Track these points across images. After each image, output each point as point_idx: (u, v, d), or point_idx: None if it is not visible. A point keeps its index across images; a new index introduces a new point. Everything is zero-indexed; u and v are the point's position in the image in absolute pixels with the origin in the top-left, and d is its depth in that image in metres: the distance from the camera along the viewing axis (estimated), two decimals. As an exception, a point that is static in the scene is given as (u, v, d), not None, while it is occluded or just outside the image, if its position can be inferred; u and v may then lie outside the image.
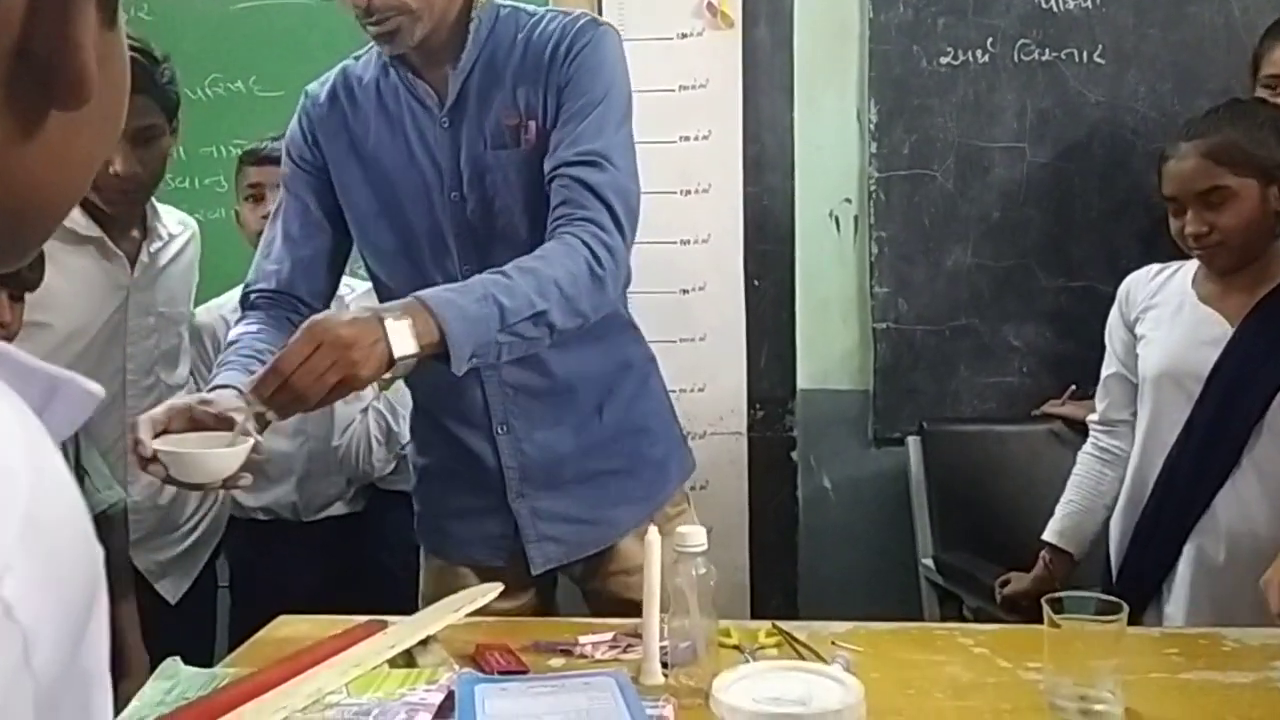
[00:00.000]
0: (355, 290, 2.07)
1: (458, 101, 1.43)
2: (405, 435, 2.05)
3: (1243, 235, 1.65)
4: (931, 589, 2.33)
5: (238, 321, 1.51)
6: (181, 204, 2.38)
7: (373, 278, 1.56)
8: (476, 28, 1.42)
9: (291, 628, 1.38)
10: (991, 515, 2.28)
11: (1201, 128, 1.69)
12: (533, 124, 1.42)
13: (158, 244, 1.94)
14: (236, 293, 2.19)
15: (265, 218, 2.09)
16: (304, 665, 1.12)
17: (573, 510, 1.49)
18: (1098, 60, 2.39)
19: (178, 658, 1.19)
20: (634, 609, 1.44)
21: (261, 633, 1.39)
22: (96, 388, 0.39)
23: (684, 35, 2.50)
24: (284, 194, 1.53)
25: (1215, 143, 1.65)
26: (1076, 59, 2.39)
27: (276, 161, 2.11)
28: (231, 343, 1.44)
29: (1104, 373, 1.87)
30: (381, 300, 1.44)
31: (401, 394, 2.05)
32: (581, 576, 1.57)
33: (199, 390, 2.10)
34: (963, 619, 2.24)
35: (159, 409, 1.24)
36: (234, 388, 1.30)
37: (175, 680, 1.14)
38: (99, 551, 0.36)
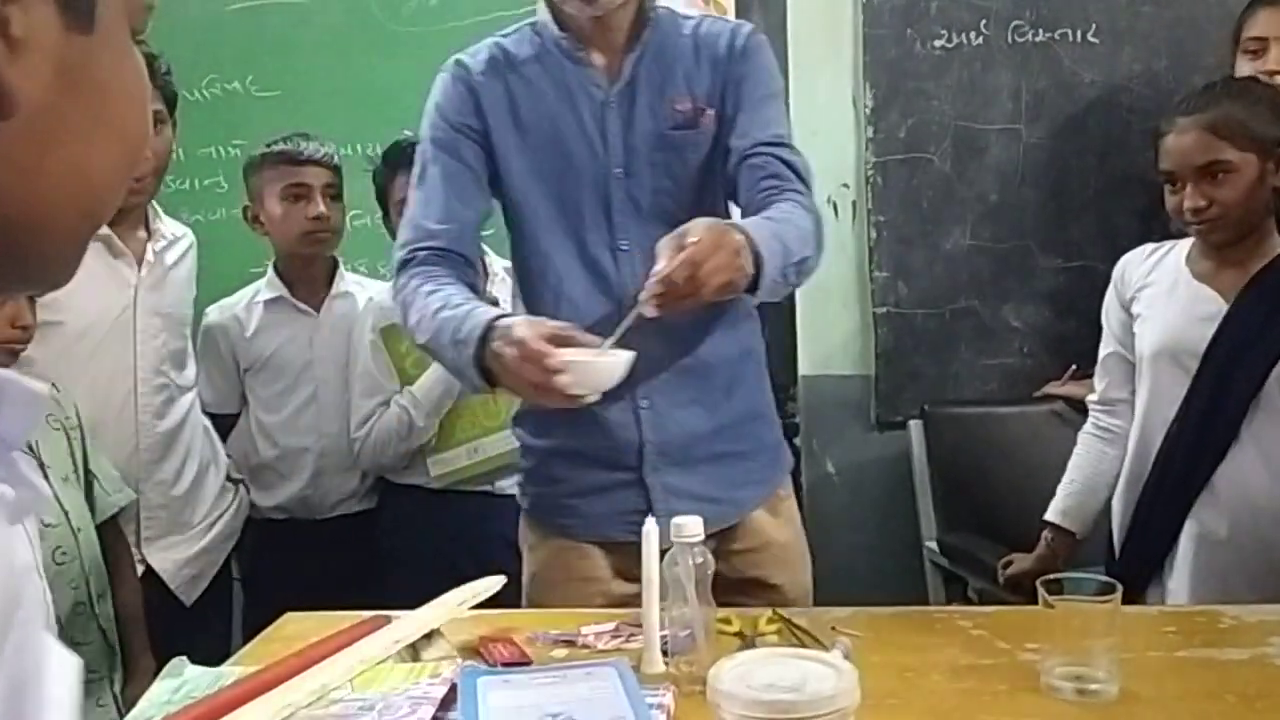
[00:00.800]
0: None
1: (628, 84, 1.49)
2: (426, 429, 2.09)
3: (1241, 209, 1.66)
4: (936, 571, 2.34)
5: (409, 278, 1.47)
6: (181, 206, 2.41)
7: (520, 246, 1.55)
8: (654, 17, 1.51)
9: (298, 625, 1.40)
10: (994, 496, 2.29)
11: (1200, 102, 1.69)
12: (710, 110, 1.51)
13: (162, 243, 1.96)
14: (248, 292, 2.24)
15: (316, 218, 2.13)
16: (308, 662, 1.13)
17: (701, 489, 1.51)
18: (1091, 39, 2.39)
19: (184, 657, 1.20)
20: (755, 587, 1.56)
21: (268, 630, 1.41)
22: (41, 387, 0.39)
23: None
24: (439, 157, 1.51)
25: (1216, 117, 1.65)
26: (1070, 39, 2.39)
27: (320, 163, 2.15)
28: (433, 292, 1.43)
29: (1102, 352, 1.88)
30: (527, 272, 1.53)
31: (429, 389, 2.06)
32: None
33: (200, 392, 2.14)
34: (968, 600, 2.26)
35: (526, 327, 1.29)
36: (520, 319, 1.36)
37: (182, 680, 1.16)
38: (16, 567, 0.37)
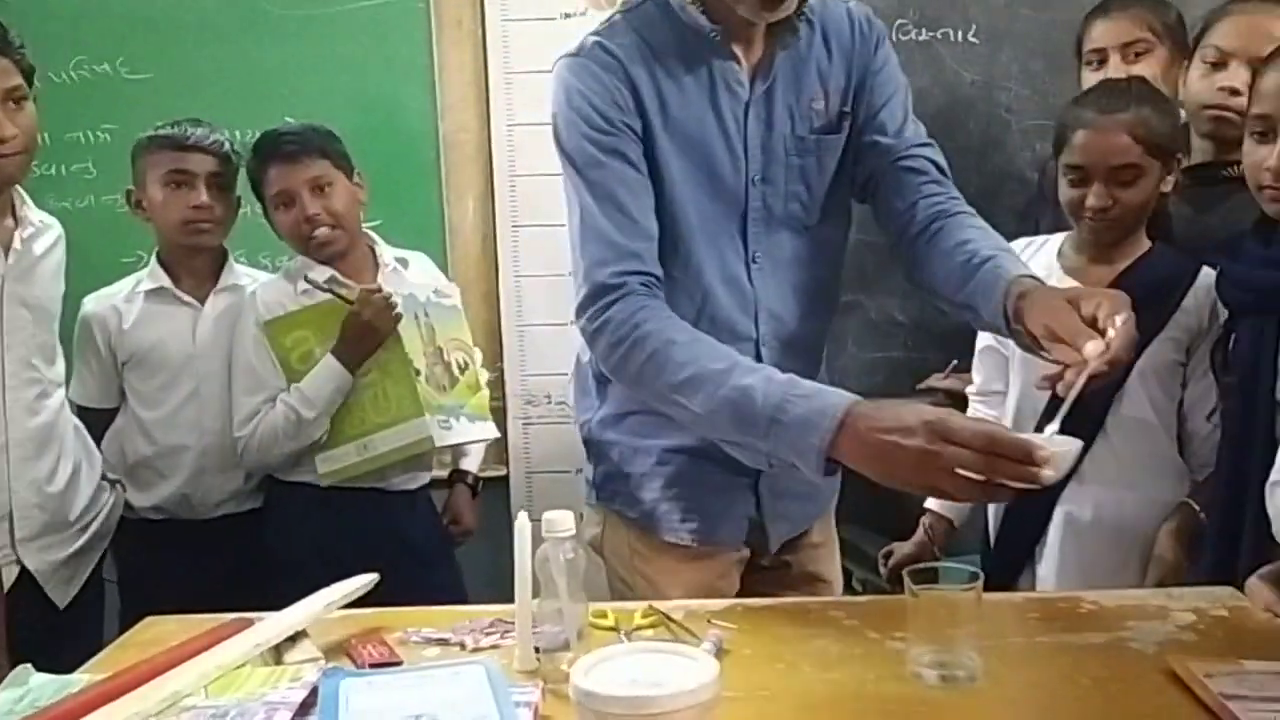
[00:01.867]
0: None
1: (770, 84, 1.40)
2: (317, 427, 2.02)
3: (1138, 213, 1.71)
4: (829, 589, 2.37)
5: (634, 314, 1.29)
6: (47, 192, 2.31)
7: (659, 256, 1.39)
8: (810, 7, 1.39)
9: (158, 629, 1.34)
10: (879, 488, 2.32)
11: (1119, 103, 1.71)
12: (843, 109, 1.44)
13: (29, 230, 1.86)
14: (128, 282, 2.14)
15: (197, 208, 2.04)
16: (161, 668, 1.09)
17: (797, 487, 1.50)
18: (972, 40, 2.44)
19: (29, 665, 1.14)
20: (816, 582, 1.59)
21: (125, 636, 1.35)
22: None
23: (567, 15, 2.49)
24: (610, 163, 1.34)
25: (1135, 120, 1.68)
26: (951, 39, 2.43)
27: (207, 150, 2.06)
28: (700, 346, 1.28)
29: (978, 345, 1.92)
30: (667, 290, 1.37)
31: (316, 385, 2.00)
32: (778, 551, 1.57)
33: (73, 386, 2.05)
34: (853, 591, 2.28)
35: (963, 418, 1.13)
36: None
37: (26, 689, 1.10)
38: None
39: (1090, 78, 1.98)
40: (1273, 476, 1.38)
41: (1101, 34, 2.05)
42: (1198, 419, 1.71)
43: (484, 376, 2.30)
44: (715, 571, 1.48)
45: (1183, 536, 1.65)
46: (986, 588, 1.14)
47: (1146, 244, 1.76)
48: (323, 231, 2.04)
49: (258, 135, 2.12)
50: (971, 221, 1.41)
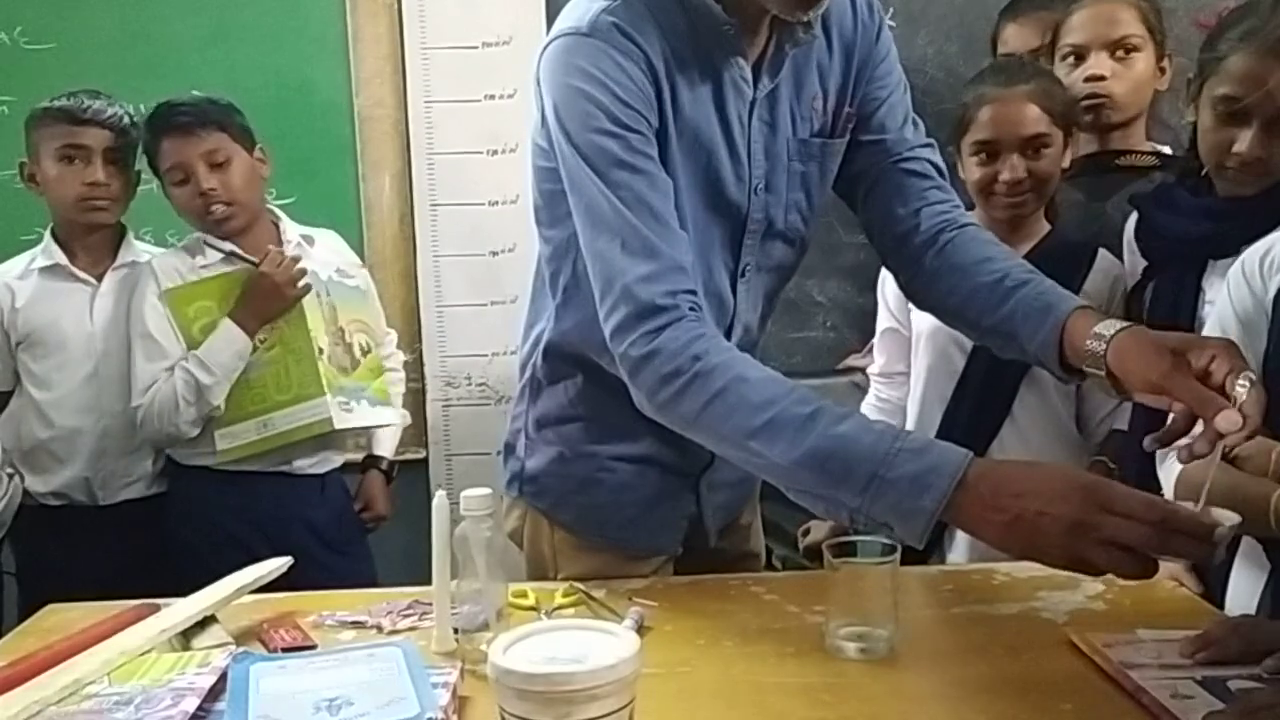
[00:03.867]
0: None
1: (777, 82, 1.27)
2: (216, 392, 1.95)
3: (1049, 185, 1.74)
4: (760, 563, 2.38)
5: (692, 343, 1.14)
6: (-59, 164, 2.20)
7: None
8: None
9: (60, 616, 1.30)
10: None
11: (1021, 75, 1.74)
12: (845, 109, 1.32)
13: None
14: (22, 259, 2.06)
15: (92, 184, 1.96)
16: (63, 655, 1.05)
17: (731, 477, 1.44)
18: (890, 23, 2.41)
19: (-80, 656, 1.10)
20: (748, 558, 1.55)
21: (26, 623, 1.30)
22: None
23: (485, -10, 2.46)
24: (642, 162, 1.18)
25: (1039, 89, 1.71)
26: (880, 7, 2.44)
27: (103, 124, 1.98)
28: (778, 385, 1.12)
29: (879, 327, 1.95)
30: None
31: (214, 349, 1.95)
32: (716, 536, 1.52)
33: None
34: (773, 568, 2.30)
35: (1113, 487, 0.98)
36: None
37: (-83, 681, 1.05)
38: None
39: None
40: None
41: (1015, 38, 2.09)
42: (1095, 396, 1.75)
43: (397, 359, 2.26)
44: (645, 571, 1.41)
45: None
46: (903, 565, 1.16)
47: (1046, 227, 1.79)
48: (219, 208, 1.98)
49: (163, 100, 2.04)
50: (985, 235, 1.34)
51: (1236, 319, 1.30)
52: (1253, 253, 1.32)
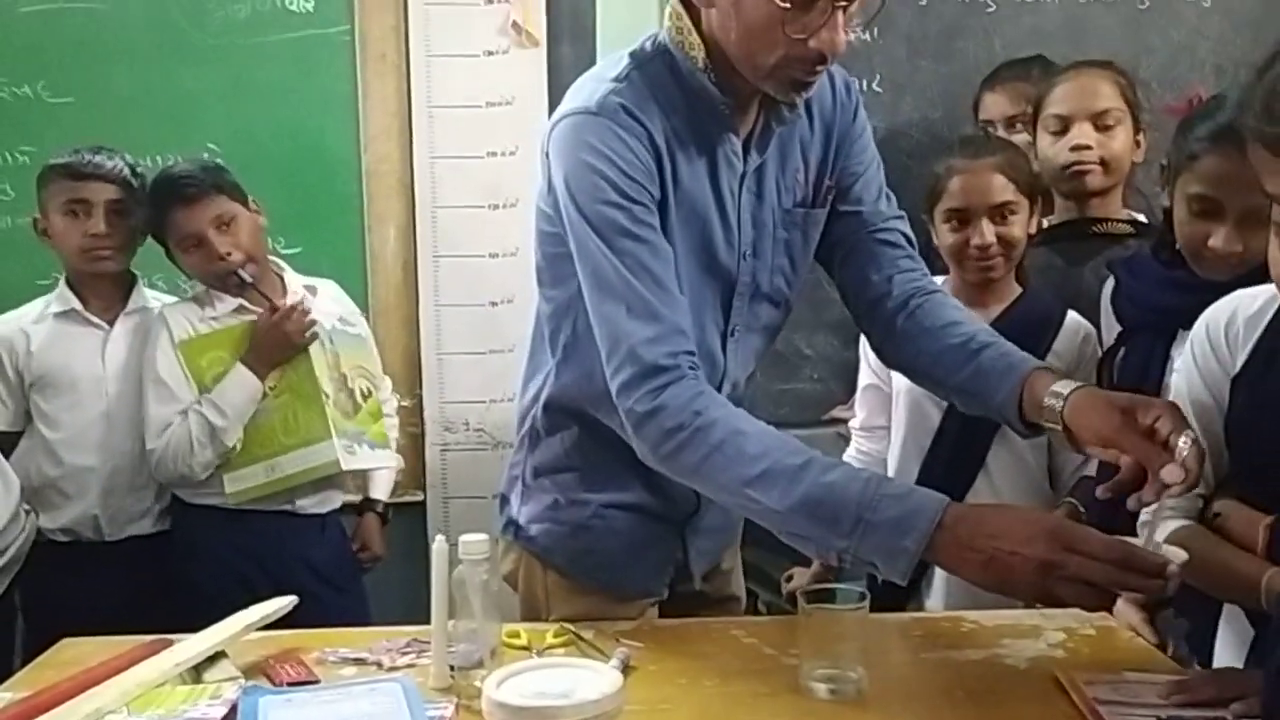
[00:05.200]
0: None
1: (765, 157, 1.37)
2: (230, 435, 2.04)
3: (1017, 249, 1.84)
4: (741, 605, 2.44)
5: (693, 401, 1.22)
6: (-35, 213, 2.29)
7: None
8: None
9: (76, 650, 1.36)
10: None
11: (988, 147, 1.86)
12: (826, 181, 1.42)
13: None
14: (37, 304, 2.14)
15: (95, 235, 2.05)
16: (83, 686, 1.12)
17: (715, 524, 1.52)
18: (876, 89, 2.57)
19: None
20: (729, 602, 1.63)
21: (44, 656, 1.37)
22: None
23: (490, 53, 2.56)
24: (645, 232, 1.27)
25: (1005, 160, 1.82)
26: (857, 87, 2.55)
27: (105, 179, 2.06)
28: (770, 438, 1.22)
29: (861, 383, 2.03)
30: None
31: (226, 393, 2.03)
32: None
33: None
34: (758, 613, 2.37)
35: (1092, 532, 1.10)
36: None
37: (-55, 708, 1.12)
38: None
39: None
40: (1142, 516, 1.47)
41: (992, 107, 2.19)
42: (1065, 453, 1.82)
43: (392, 405, 2.34)
44: (633, 613, 1.48)
45: None
46: (878, 612, 1.23)
47: (1018, 290, 1.88)
48: (248, 268, 2.07)
49: (184, 160, 2.13)
50: (951, 302, 1.45)
51: (1203, 383, 1.34)
52: (1216, 319, 1.35)
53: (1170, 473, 1.10)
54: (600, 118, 1.27)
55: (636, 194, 1.26)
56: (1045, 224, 2.02)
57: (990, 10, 2.54)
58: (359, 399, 2.19)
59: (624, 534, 1.46)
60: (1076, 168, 1.97)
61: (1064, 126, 1.99)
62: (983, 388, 1.34)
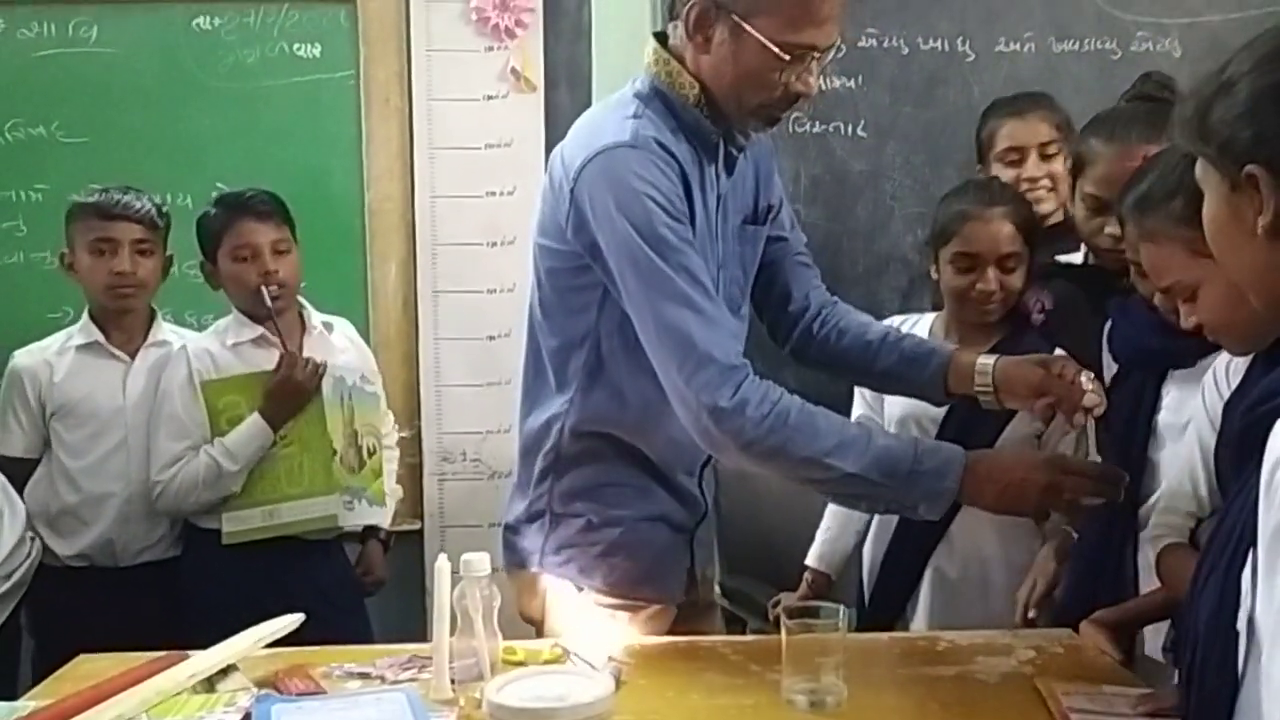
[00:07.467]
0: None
1: (730, 176, 1.54)
2: (235, 481, 2.11)
3: (1014, 296, 1.91)
4: (719, 612, 2.51)
5: (766, 395, 1.37)
6: (-21, 248, 2.37)
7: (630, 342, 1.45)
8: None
9: (92, 665, 1.42)
10: (770, 542, 2.48)
11: (997, 197, 1.93)
12: (761, 201, 1.61)
13: None
14: (60, 336, 2.20)
15: (120, 274, 2.12)
16: (104, 694, 1.18)
17: (707, 531, 1.69)
18: (860, 134, 2.67)
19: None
20: (713, 607, 1.80)
21: (62, 670, 1.43)
22: None
23: (489, 97, 2.66)
24: (689, 251, 1.40)
25: (1013, 211, 1.91)
26: (842, 132, 2.66)
27: (132, 219, 2.13)
28: (825, 414, 1.41)
29: (854, 414, 2.09)
30: (628, 355, 1.46)
31: (240, 440, 2.10)
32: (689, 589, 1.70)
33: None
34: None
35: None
36: None
37: (-29, 716, 1.18)
38: None
39: (1007, 174, 2.14)
40: (1147, 532, 1.56)
41: (1011, 134, 2.20)
42: None
43: (394, 438, 2.42)
44: (660, 623, 1.59)
45: (1060, 554, 1.82)
46: (869, 630, 1.30)
47: (1006, 327, 1.96)
48: (276, 289, 2.14)
49: (193, 200, 2.21)
50: (852, 308, 1.74)
51: (1209, 422, 1.48)
52: (1220, 363, 1.49)
53: (1091, 399, 1.45)
54: (639, 150, 1.40)
55: (680, 215, 1.41)
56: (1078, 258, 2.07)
57: (970, 59, 2.64)
58: (365, 455, 2.26)
59: (654, 544, 1.59)
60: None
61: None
62: (908, 369, 1.64)
